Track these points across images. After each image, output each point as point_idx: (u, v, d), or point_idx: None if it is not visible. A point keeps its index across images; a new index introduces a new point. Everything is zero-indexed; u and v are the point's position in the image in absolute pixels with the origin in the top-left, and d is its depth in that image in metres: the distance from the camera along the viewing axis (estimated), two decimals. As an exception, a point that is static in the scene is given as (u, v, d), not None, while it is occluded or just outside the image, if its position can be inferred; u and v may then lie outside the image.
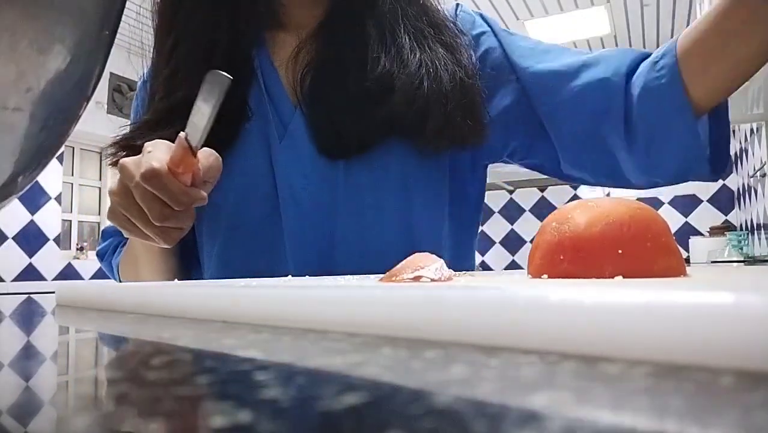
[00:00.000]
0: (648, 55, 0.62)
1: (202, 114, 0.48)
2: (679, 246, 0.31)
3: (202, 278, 0.71)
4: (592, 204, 0.30)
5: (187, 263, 0.72)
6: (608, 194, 4.23)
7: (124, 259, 0.73)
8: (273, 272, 0.61)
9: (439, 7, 0.70)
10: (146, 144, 0.52)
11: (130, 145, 0.63)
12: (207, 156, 0.54)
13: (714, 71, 0.54)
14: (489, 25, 0.72)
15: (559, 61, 0.66)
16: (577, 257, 0.28)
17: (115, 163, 0.65)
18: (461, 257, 0.73)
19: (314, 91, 0.65)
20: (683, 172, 0.61)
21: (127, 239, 0.73)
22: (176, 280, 0.71)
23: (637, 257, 0.27)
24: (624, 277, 0.26)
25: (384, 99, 0.61)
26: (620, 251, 0.27)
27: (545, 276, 0.29)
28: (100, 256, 0.79)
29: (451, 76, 0.63)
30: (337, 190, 0.63)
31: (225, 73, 0.46)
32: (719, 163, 0.60)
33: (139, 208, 0.51)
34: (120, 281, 0.73)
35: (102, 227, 4.09)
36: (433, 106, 0.61)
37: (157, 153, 0.50)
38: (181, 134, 0.49)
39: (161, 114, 0.64)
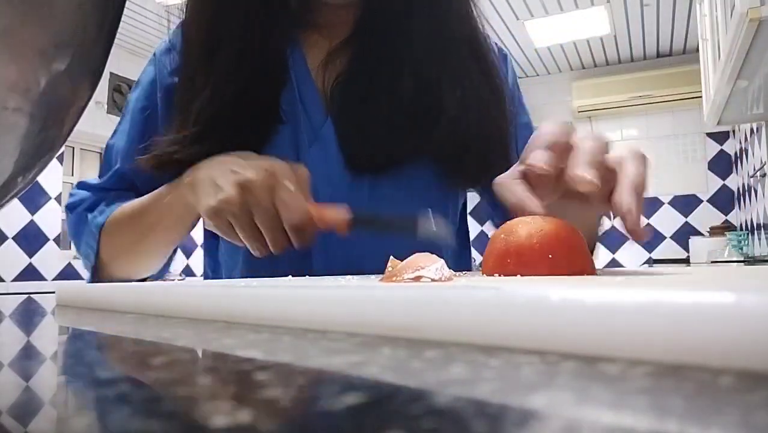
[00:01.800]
0: None
1: (382, 224, 0.51)
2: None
3: (215, 272, 0.71)
4: (530, 220, 0.38)
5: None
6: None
7: (123, 222, 0.66)
8: (299, 273, 0.61)
9: (486, 43, 0.70)
10: (284, 167, 0.54)
11: (172, 160, 0.61)
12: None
13: None
14: (509, 70, 0.75)
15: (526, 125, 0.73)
16: (519, 261, 0.36)
17: (155, 167, 0.62)
18: (463, 258, 0.75)
19: (345, 105, 0.65)
20: None
21: (111, 198, 0.69)
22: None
23: (562, 259, 0.36)
24: (552, 275, 0.35)
25: (417, 129, 0.62)
26: (550, 256, 0.36)
27: (497, 275, 0.37)
28: (71, 207, 0.71)
29: (494, 121, 0.65)
30: (361, 201, 0.63)
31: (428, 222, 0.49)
32: None
33: (253, 224, 0.52)
34: (97, 242, 0.66)
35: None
36: (474, 150, 0.62)
37: (299, 198, 0.52)
38: (346, 211, 0.52)
39: (205, 125, 0.62)
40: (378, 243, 0.63)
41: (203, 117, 0.62)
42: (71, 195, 0.73)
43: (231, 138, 0.62)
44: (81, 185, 0.73)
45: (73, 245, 0.74)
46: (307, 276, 0.48)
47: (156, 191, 0.64)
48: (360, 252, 0.62)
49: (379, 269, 0.60)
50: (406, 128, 0.62)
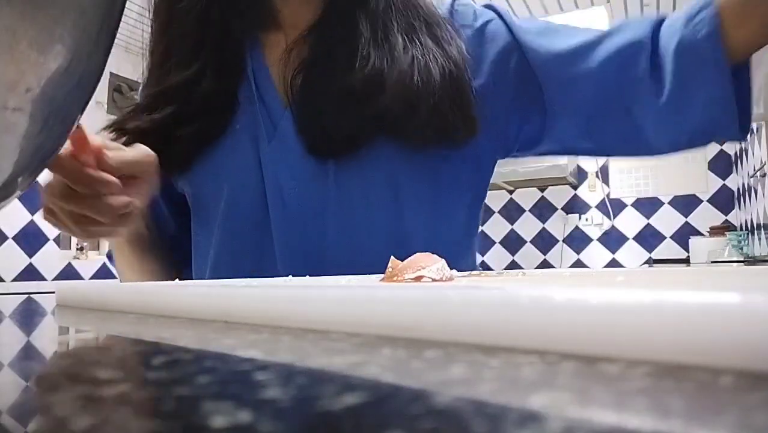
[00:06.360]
0: (663, 20, 0.63)
1: None
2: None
3: (191, 277, 0.72)
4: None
5: (177, 262, 0.74)
6: (608, 194, 4.23)
7: (116, 256, 0.75)
8: (262, 273, 0.61)
9: (432, 6, 0.70)
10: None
11: (122, 128, 0.66)
12: (140, 152, 0.54)
13: (752, 24, 0.55)
14: (495, 11, 0.73)
15: (575, 39, 0.67)
16: None
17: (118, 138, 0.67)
18: (458, 256, 0.71)
19: (305, 91, 0.64)
20: (711, 129, 0.60)
21: None
22: (167, 279, 0.72)
23: None
24: None
25: (373, 96, 0.61)
26: None
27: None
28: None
29: (440, 69, 0.62)
30: (327, 191, 0.63)
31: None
32: (744, 122, 0.60)
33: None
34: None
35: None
36: (422, 99, 0.60)
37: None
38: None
39: (151, 99, 0.66)
40: (345, 239, 0.63)
41: (152, 92, 0.67)
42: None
43: (186, 129, 0.65)
44: None
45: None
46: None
47: None
48: (324, 250, 0.62)
49: (346, 266, 0.60)
50: (360, 105, 0.61)
